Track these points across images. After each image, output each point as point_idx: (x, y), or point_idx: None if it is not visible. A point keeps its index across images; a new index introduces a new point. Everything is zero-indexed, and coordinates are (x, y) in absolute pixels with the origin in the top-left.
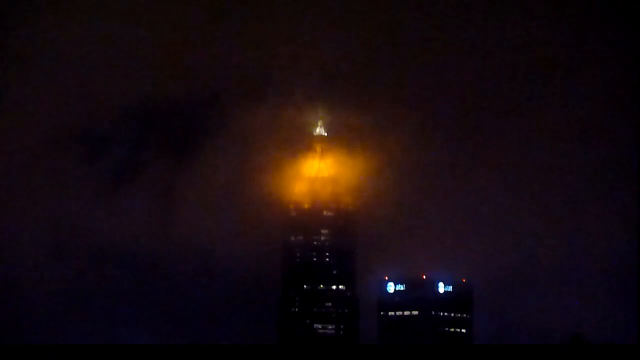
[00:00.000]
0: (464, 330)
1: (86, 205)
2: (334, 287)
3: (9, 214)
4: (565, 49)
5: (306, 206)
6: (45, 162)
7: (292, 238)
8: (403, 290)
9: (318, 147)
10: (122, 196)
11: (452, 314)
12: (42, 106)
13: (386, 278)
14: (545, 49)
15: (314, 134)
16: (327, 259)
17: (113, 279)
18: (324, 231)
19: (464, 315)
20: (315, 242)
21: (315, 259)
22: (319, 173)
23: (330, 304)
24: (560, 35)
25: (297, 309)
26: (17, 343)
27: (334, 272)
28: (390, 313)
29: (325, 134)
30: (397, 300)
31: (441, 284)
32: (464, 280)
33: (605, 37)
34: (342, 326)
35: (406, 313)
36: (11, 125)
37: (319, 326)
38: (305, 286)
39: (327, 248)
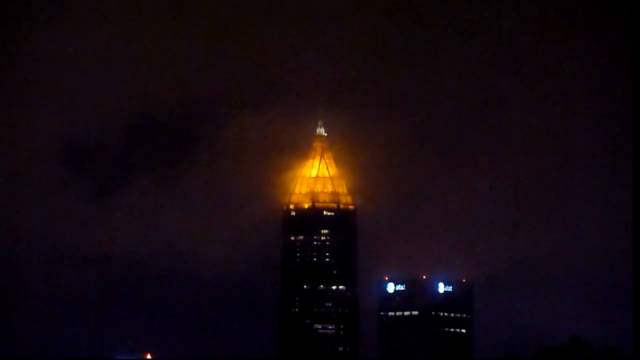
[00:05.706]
0: (463, 331)
1: (93, 208)
2: (334, 287)
3: None
4: (563, 53)
5: (306, 206)
6: (38, 168)
7: (292, 238)
8: (403, 290)
9: (318, 147)
10: (121, 197)
11: (452, 314)
12: (36, 113)
13: (386, 278)
14: (543, 50)
15: (314, 134)
16: (327, 259)
17: (120, 282)
18: (324, 231)
19: (464, 315)
20: (315, 242)
21: (315, 259)
22: (319, 173)
23: (330, 304)
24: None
25: (297, 309)
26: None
27: (334, 272)
28: (390, 313)
29: (326, 134)
30: (397, 300)
31: (441, 284)
32: (464, 280)
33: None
34: (342, 326)
35: (406, 313)
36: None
37: (319, 326)
38: (305, 286)
39: (327, 248)
